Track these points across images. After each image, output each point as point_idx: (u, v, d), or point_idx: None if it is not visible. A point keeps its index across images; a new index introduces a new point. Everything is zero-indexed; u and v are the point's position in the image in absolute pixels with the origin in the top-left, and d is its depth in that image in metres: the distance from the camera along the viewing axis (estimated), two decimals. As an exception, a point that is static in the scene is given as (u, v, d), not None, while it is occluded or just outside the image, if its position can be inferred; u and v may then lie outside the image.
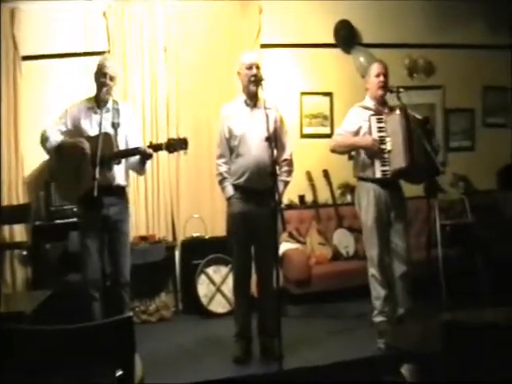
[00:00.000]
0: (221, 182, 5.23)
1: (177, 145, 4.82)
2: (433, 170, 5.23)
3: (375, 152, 5.31)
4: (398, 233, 5.46)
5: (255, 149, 5.00)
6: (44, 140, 4.94)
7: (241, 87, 5.28)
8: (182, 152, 4.86)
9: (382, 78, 5.45)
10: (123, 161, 4.95)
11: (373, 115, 5.40)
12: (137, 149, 4.87)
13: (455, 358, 2.56)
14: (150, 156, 4.88)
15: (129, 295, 5.08)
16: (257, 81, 5.02)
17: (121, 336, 2.67)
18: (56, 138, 4.90)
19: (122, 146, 4.96)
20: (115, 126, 4.93)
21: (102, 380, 2.48)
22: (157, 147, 4.89)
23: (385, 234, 5.45)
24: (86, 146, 4.76)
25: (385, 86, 5.46)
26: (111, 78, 4.94)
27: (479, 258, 6.69)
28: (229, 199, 5.19)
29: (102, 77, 4.93)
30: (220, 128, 5.26)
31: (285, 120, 5.36)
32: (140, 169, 5.09)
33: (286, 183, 5.26)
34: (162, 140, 6.68)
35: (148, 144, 4.94)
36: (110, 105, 5.00)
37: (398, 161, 5.22)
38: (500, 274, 6.53)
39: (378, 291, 5.44)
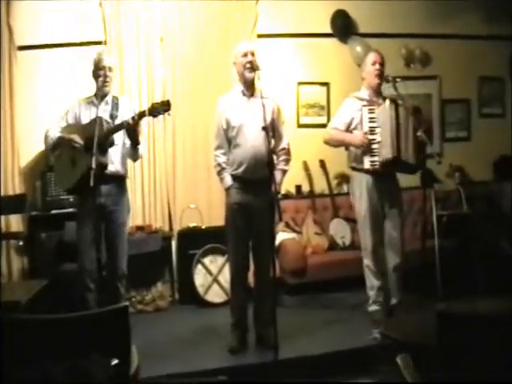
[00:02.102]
0: (219, 173, 5.22)
1: (160, 108, 4.76)
2: (421, 162, 5.29)
3: (365, 147, 5.33)
4: (392, 223, 5.49)
5: (253, 139, 4.99)
6: (45, 138, 5.02)
7: (236, 78, 5.27)
8: (166, 115, 4.84)
9: (377, 67, 5.46)
10: (119, 147, 4.97)
11: (364, 106, 5.42)
12: (122, 123, 4.84)
13: (450, 348, 2.57)
14: (135, 125, 4.81)
15: (124, 287, 5.11)
16: (252, 67, 5.00)
17: (117, 325, 2.68)
18: (54, 134, 4.96)
19: (119, 139, 4.97)
20: (113, 117, 4.95)
21: (97, 369, 2.48)
22: (140, 114, 4.83)
23: (379, 224, 5.48)
24: (78, 140, 4.81)
25: (381, 75, 5.47)
26: (110, 69, 4.98)
27: (475, 248, 6.70)
28: (227, 189, 5.19)
29: (101, 70, 4.94)
30: (217, 119, 5.24)
31: (282, 110, 5.36)
32: (133, 154, 5.09)
33: (284, 172, 5.26)
34: (158, 132, 6.81)
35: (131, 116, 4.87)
36: (109, 98, 5.04)
37: (386, 152, 5.25)
38: (495, 264, 6.55)
39: (371, 281, 5.48)
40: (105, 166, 4.80)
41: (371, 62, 5.51)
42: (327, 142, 5.68)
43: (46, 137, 4.99)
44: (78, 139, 4.81)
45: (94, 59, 5.01)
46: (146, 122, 6.91)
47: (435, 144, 7.88)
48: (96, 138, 4.45)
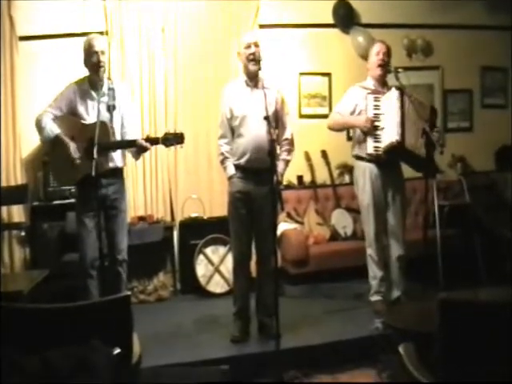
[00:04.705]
0: (222, 162, 5.23)
1: (173, 139, 4.86)
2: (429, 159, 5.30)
3: (369, 129, 5.36)
4: (395, 214, 5.53)
5: (255, 129, 4.98)
6: (39, 129, 4.91)
7: (239, 68, 5.28)
8: (178, 146, 4.91)
9: (381, 56, 5.49)
10: None
11: (370, 93, 5.45)
12: (133, 141, 4.90)
13: (452, 337, 2.57)
14: (145, 149, 4.91)
15: (126, 273, 5.11)
16: (255, 60, 4.99)
17: (119, 314, 2.69)
18: (52, 127, 4.86)
19: (117, 128, 4.98)
20: (110, 109, 4.91)
21: (99, 357, 2.49)
22: (153, 141, 4.92)
23: (382, 214, 5.52)
24: (77, 157, 4.80)
25: (384, 65, 5.48)
26: (102, 53, 4.91)
27: (476, 238, 6.71)
28: (230, 178, 5.20)
29: (93, 56, 4.86)
30: (221, 108, 5.25)
31: (286, 101, 5.36)
32: (135, 156, 5.12)
33: (287, 162, 5.26)
34: (160, 123, 6.79)
35: (145, 137, 4.97)
36: (105, 87, 4.97)
37: (390, 137, 5.28)
38: (497, 254, 6.57)
39: (374, 271, 5.53)
40: (106, 167, 4.82)
41: (375, 52, 5.55)
42: (331, 127, 5.71)
43: (42, 128, 4.87)
44: (75, 151, 4.81)
45: (83, 46, 4.95)
46: (147, 114, 6.94)
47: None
48: (96, 137, 4.43)
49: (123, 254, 5.05)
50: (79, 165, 4.78)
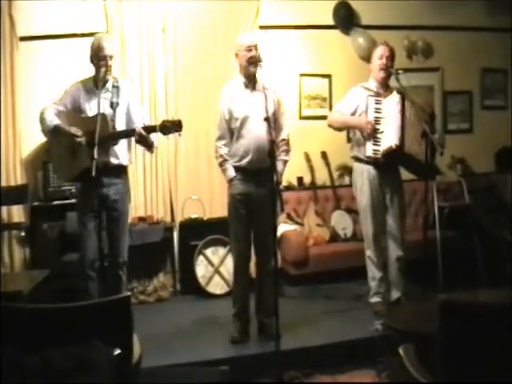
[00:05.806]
0: (221, 164, 5.21)
1: (171, 127, 4.77)
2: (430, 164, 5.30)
3: (369, 133, 5.36)
4: (393, 215, 5.53)
5: (256, 130, 4.98)
6: (41, 120, 4.91)
7: (237, 68, 5.26)
8: (176, 134, 4.87)
9: (384, 61, 5.49)
10: (125, 140, 4.97)
11: (371, 96, 5.45)
12: (130, 131, 4.87)
13: (452, 339, 2.57)
14: (143, 137, 4.81)
15: (126, 275, 5.10)
16: (255, 62, 4.98)
17: (119, 315, 2.69)
18: (52, 119, 4.86)
19: (121, 125, 4.95)
20: (113, 105, 4.89)
21: (99, 356, 2.49)
22: (151, 129, 4.85)
23: (380, 215, 5.52)
24: (80, 134, 4.75)
25: (386, 69, 5.47)
26: (111, 58, 4.91)
27: (476, 240, 6.71)
28: (230, 181, 5.18)
29: (101, 59, 4.85)
30: (220, 110, 5.23)
31: (282, 101, 5.35)
32: (147, 148, 5.08)
33: (285, 162, 5.26)
34: (160, 121, 6.71)
35: (142, 126, 4.91)
36: (109, 84, 4.97)
37: (389, 141, 5.28)
38: (496, 255, 6.57)
39: (373, 272, 5.54)
40: (107, 163, 4.79)
41: (378, 55, 5.53)
42: (330, 125, 5.71)
43: (43, 119, 4.88)
44: (79, 133, 4.77)
45: (92, 44, 4.92)
46: (147, 112, 6.93)
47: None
48: (97, 133, 4.41)
49: (124, 256, 5.04)
50: (79, 157, 4.76)
